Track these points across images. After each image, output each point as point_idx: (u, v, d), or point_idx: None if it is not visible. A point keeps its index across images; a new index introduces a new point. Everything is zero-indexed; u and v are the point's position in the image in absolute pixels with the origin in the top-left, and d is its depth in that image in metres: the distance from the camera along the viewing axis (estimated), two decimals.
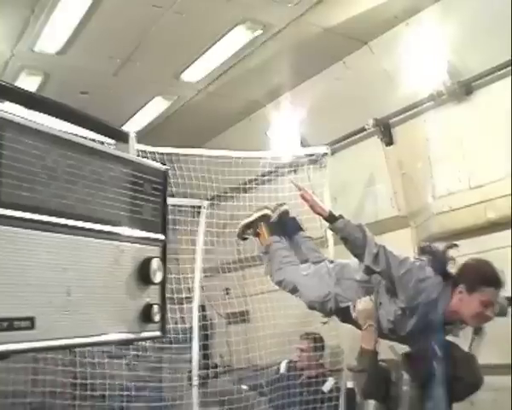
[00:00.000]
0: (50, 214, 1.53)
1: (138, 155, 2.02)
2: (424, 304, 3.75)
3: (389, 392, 4.14)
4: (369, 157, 6.67)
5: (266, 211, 5.05)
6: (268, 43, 6.21)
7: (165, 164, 1.97)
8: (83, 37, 5.99)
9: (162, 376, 6.77)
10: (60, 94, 6.63)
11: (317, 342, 6.65)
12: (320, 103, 6.76)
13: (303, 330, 6.74)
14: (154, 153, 5.25)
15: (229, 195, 7.35)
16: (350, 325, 4.51)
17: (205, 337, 6.99)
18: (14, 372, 4.95)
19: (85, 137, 1.72)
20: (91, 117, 1.92)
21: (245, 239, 5.11)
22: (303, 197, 4.41)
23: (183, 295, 6.58)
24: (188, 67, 6.75)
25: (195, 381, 6.21)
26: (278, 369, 6.80)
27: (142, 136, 5.27)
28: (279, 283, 4.79)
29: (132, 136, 1.97)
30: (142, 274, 1.80)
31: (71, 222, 1.59)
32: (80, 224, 1.62)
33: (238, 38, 6.16)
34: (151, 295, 1.85)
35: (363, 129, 6.57)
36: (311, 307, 4.69)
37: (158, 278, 1.83)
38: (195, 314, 6.54)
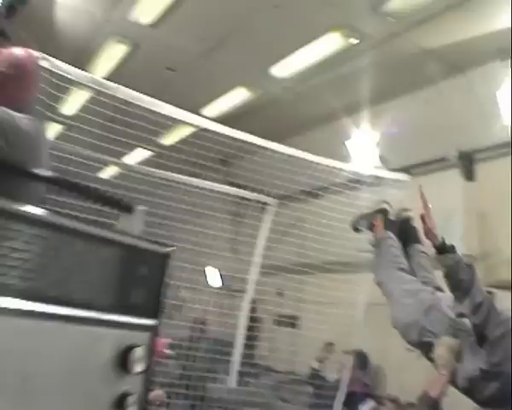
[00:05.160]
0: (13, 296, 1.40)
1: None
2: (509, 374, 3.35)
3: None
4: (446, 188, 6.37)
5: (386, 206, 4.64)
6: (361, 55, 6.02)
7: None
8: (178, 13, 5.94)
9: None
10: (146, 66, 6.70)
11: (360, 359, 6.54)
12: (405, 123, 6.53)
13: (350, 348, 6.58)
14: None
15: (301, 197, 7.21)
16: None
17: (250, 337, 6.90)
18: None
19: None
20: (96, 190, 1.83)
21: (358, 231, 4.75)
22: (422, 216, 3.98)
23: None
24: (278, 61, 6.64)
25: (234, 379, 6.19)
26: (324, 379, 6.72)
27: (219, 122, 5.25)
28: (379, 283, 4.33)
29: (139, 210, 1.83)
30: (121, 363, 1.67)
31: (38, 306, 1.42)
32: (50, 308, 1.46)
33: (332, 43, 6.02)
34: (129, 385, 1.69)
35: (445, 159, 6.32)
36: (394, 327, 4.26)
37: (138, 368, 1.68)
38: (246, 310, 6.46)
